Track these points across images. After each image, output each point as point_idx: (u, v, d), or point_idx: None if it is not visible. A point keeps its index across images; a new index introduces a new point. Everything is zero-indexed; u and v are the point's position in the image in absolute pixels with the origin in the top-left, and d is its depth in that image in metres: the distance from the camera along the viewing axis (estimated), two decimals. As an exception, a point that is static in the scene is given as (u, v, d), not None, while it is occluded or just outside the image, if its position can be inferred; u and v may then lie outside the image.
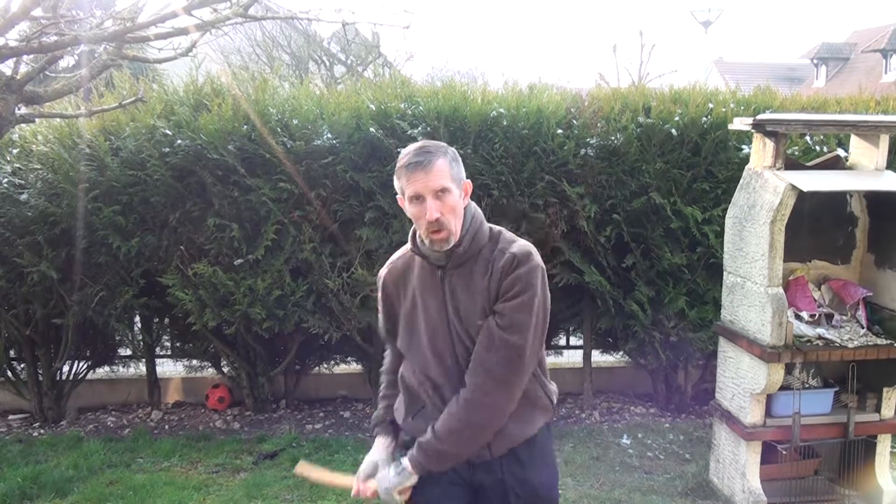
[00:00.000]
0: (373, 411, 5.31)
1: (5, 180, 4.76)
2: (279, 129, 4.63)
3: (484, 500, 2.29)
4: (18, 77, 3.65)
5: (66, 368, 5.24)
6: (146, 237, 4.69)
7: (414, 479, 2.21)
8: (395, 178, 2.17)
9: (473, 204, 2.24)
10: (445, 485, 2.26)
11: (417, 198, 2.10)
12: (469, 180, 2.22)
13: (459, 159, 2.19)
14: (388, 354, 2.54)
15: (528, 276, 2.13)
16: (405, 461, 2.21)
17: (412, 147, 2.15)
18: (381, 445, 2.37)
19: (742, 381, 3.70)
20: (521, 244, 2.20)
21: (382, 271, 2.37)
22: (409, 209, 2.14)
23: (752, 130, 3.65)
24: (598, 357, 5.58)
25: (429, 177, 2.08)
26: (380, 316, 2.42)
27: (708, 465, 4.14)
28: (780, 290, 3.49)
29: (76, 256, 4.71)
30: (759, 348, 3.51)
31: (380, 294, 2.37)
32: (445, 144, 2.18)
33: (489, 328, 2.13)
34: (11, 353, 5.22)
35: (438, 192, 2.09)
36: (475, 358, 2.15)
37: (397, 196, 2.20)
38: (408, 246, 2.30)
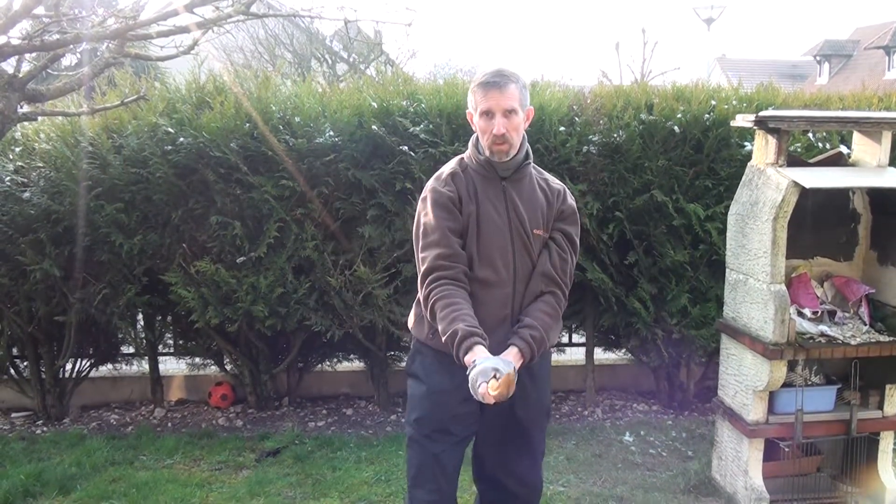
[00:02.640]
0: (375, 409, 5.34)
1: (8, 178, 4.76)
2: (281, 127, 4.63)
3: (490, 410, 2.52)
4: (21, 75, 3.65)
5: (68, 366, 5.25)
6: (149, 235, 4.69)
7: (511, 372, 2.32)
8: (469, 93, 2.55)
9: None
10: (462, 393, 2.44)
11: (488, 113, 2.47)
12: (531, 107, 2.62)
13: (528, 89, 2.57)
14: (440, 263, 2.50)
15: (575, 210, 2.69)
16: (512, 350, 2.44)
17: (490, 69, 2.52)
18: (484, 351, 2.37)
19: (744, 378, 3.70)
20: (558, 181, 2.74)
21: (445, 176, 2.59)
22: (478, 122, 2.52)
23: (755, 127, 3.65)
24: (600, 354, 5.57)
25: (502, 97, 2.45)
26: (434, 221, 2.54)
27: (710, 462, 4.14)
28: (783, 287, 3.48)
29: (79, 254, 4.72)
30: (762, 345, 3.50)
31: (444, 197, 2.54)
32: (518, 73, 2.51)
33: (559, 246, 2.61)
34: (14, 350, 5.23)
35: (507, 111, 2.46)
36: (546, 270, 2.58)
37: (467, 111, 2.59)
38: (457, 161, 2.64)
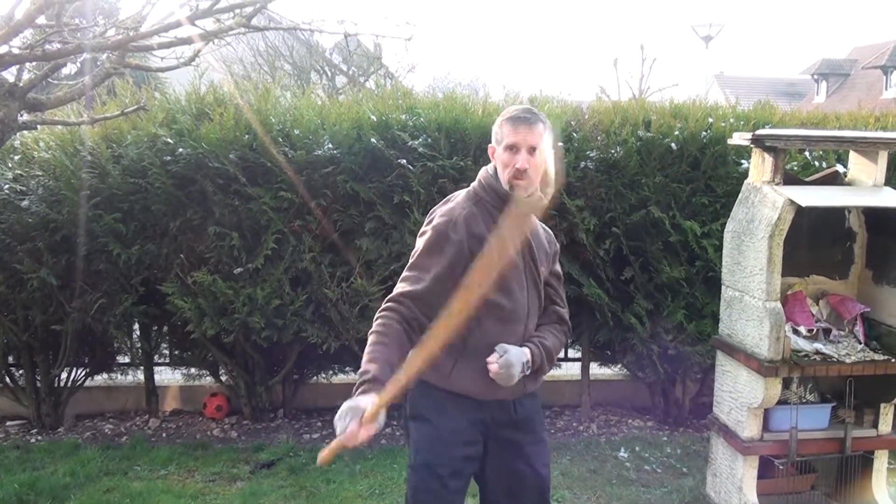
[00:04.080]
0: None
1: (7, 186, 4.77)
2: (280, 139, 4.65)
3: (494, 441, 2.62)
4: (21, 84, 3.66)
5: (64, 375, 5.24)
6: (146, 245, 4.70)
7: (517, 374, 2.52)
8: (495, 126, 2.56)
9: None
10: (470, 433, 2.57)
11: (513, 147, 2.48)
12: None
13: (552, 134, 2.58)
14: (401, 300, 2.45)
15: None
16: (527, 351, 2.57)
17: (520, 106, 2.64)
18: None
19: (739, 395, 3.71)
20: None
21: (458, 217, 2.51)
22: (501, 155, 2.52)
23: (752, 145, 3.67)
24: (596, 370, 5.57)
25: (530, 133, 2.48)
26: (424, 260, 2.49)
27: (705, 479, 4.14)
28: (778, 304, 3.49)
29: (76, 263, 4.72)
30: (757, 362, 3.51)
31: (450, 242, 2.48)
32: (544, 114, 2.57)
33: (557, 290, 2.79)
34: (10, 359, 5.22)
35: (532, 148, 2.48)
36: (562, 314, 2.79)
37: (489, 145, 2.60)
38: (471, 197, 2.57)
